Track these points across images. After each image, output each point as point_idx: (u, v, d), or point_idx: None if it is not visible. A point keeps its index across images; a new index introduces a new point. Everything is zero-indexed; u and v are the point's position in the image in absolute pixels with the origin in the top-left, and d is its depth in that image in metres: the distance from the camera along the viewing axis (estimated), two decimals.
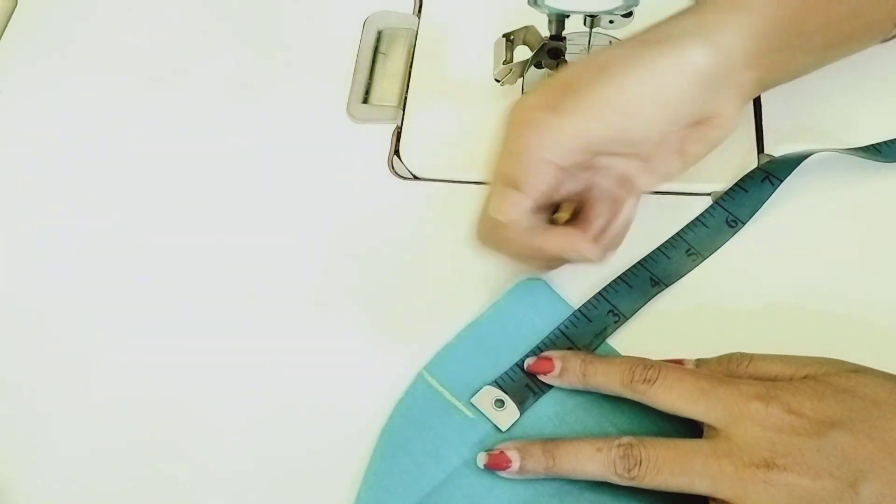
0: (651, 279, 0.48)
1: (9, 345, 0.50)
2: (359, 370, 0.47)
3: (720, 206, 0.50)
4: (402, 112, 0.56)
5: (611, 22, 0.50)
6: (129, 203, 0.54)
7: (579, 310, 0.48)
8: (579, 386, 0.44)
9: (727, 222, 0.50)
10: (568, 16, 0.50)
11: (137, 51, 0.60)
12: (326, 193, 0.53)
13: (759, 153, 0.52)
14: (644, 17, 0.51)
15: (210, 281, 0.51)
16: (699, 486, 0.39)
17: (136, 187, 0.54)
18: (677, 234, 0.50)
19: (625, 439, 0.41)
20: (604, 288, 0.48)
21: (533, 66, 0.52)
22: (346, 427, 0.46)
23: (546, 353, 0.45)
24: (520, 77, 0.52)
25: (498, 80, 0.52)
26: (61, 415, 0.47)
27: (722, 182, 0.51)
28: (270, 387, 0.47)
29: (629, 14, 0.50)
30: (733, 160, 0.51)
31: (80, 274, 0.51)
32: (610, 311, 0.47)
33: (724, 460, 0.39)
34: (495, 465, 0.43)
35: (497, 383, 0.45)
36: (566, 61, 0.54)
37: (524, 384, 0.45)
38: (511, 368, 0.46)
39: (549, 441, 0.42)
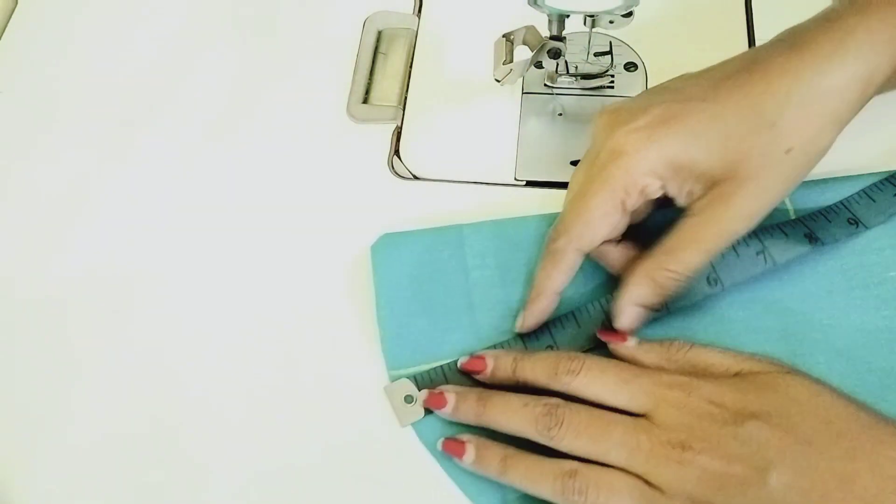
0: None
1: (8, 344, 0.50)
2: (358, 370, 0.47)
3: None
4: (402, 112, 0.56)
5: (611, 22, 0.50)
6: (129, 202, 0.54)
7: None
8: (510, 381, 0.44)
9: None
10: (568, 16, 0.50)
11: (137, 51, 0.60)
12: (326, 193, 0.53)
13: None
14: (644, 16, 0.51)
15: (210, 281, 0.51)
16: (614, 457, 0.40)
17: (136, 187, 0.54)
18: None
19: (553, 400, 0.42)
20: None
21: (533, 66, 0.52)
22: (344, 428, 0.46)
23: (479, 353, 0.46)
24: (520, 77, 0.52)
25: (498, 80, 0.52)
26: (61, 414, 0.47)
27: None
28: (270, 387, 0.47)
29: (629, 14, 0.50)
30: None
31: (80, 273, 0.51)
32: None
33: (642, 435, 0.40)
34: (433, 403, 0.44)
35: (415, 379, 0.46)
36: (566, 61, 0.54)
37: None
38: (434, 369, 0.46)
39: (485, 391, 0.44)
